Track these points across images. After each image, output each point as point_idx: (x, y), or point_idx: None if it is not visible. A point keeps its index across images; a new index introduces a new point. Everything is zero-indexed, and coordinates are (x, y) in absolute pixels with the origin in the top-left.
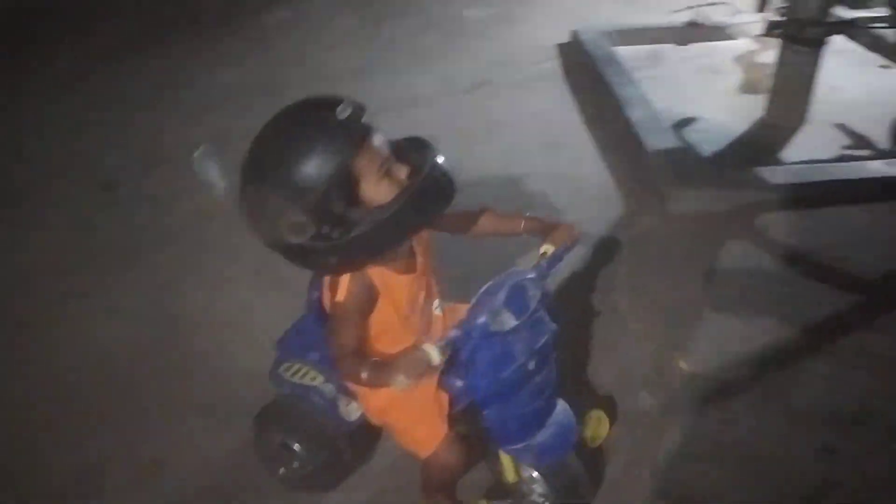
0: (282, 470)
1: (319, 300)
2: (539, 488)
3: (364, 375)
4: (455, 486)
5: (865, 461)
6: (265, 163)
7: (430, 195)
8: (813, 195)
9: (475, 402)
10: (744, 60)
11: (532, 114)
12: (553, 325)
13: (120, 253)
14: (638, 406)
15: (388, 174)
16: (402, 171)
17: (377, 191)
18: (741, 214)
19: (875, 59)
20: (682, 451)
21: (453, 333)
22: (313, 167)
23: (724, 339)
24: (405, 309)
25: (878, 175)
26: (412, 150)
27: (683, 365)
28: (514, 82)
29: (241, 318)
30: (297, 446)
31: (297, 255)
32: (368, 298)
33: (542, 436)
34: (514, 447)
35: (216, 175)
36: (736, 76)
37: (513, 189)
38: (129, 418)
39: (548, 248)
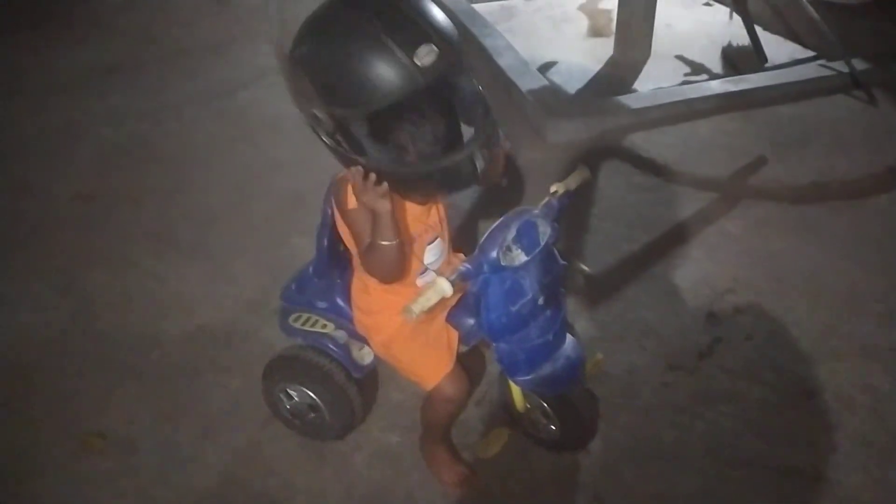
0: (296, 421)
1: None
2: (547, 417)
3: (391, 251)
4: (450, 433)
5: (741, 319)
6: (322, 51)
7: (447, 180)
8: (666, 114)
9: (486, 335)
10: (587, 8)
11: None
12: (562, 262)
13: (3, 242)
14: None
15: (423, 134)
16: (436, 134)
17: (403, 140)
18: (609, 138)
19: None
20: (597, 336)
21: (464, 267)
22: (359, 90)
23: (612, 243)
24: (404, 234)
25: (717, 92)
26: (467, 113)
27: (584, 268)
28: None
29: (150, 289)
30: (310, 397)
31: (318, 133)
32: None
33: (551, 367)
34: (524, 378)
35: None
36: (582, 23)
37: None
38: (59, 397)
39: (558, 188)
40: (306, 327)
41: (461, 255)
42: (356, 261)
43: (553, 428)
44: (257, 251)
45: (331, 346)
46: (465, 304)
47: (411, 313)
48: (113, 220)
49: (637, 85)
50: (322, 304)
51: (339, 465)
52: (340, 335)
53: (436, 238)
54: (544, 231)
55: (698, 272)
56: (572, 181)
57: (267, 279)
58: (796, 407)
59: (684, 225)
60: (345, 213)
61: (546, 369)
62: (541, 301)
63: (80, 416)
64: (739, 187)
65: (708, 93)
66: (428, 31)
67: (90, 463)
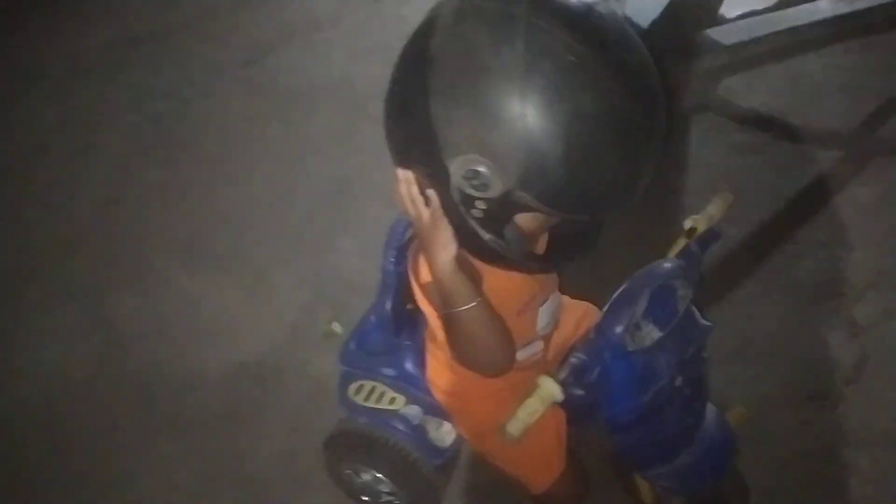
0: (366, 499)
1: (401, 274)
2: None
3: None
4: None
5: (892, 326)
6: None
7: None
8: (766, 50)
9: (607, 430)
10: None
11: None
12: (706, 325)
13: (24, 265)
14: None
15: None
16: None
17: (530, 226)
18: (698, 85)
19: None
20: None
21: (577, 359)
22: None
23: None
24: (515, 306)
25: (827, 16)
26: None
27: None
28: None
29: (185, 313)
30: (384, 481)
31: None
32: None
33: (690, 456)
34: (655, 472)
35: None
36: None
37: None
38: (97, 455)
39: (696, 223)
40: (370, 403)
41: (566, 300)
42: (431, 327)
43: None
44: (300, 259)
45: (401, 429)
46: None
47: (511, 436)
48: (142, 228)
49: (724, 12)
50: (389, 372)
51: None
52: (413, 412)
53: (548, 296)
54: (684, 294)
55: (829, 262)
56: (715, 209)
57: (311, 294)
58: None
59: (804, 197)
60: (422, 288)
61: (684, 459)
62: (679, 382)
63: (119, 480)
64: (868, 142)
65: (816, 18)
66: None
67: None
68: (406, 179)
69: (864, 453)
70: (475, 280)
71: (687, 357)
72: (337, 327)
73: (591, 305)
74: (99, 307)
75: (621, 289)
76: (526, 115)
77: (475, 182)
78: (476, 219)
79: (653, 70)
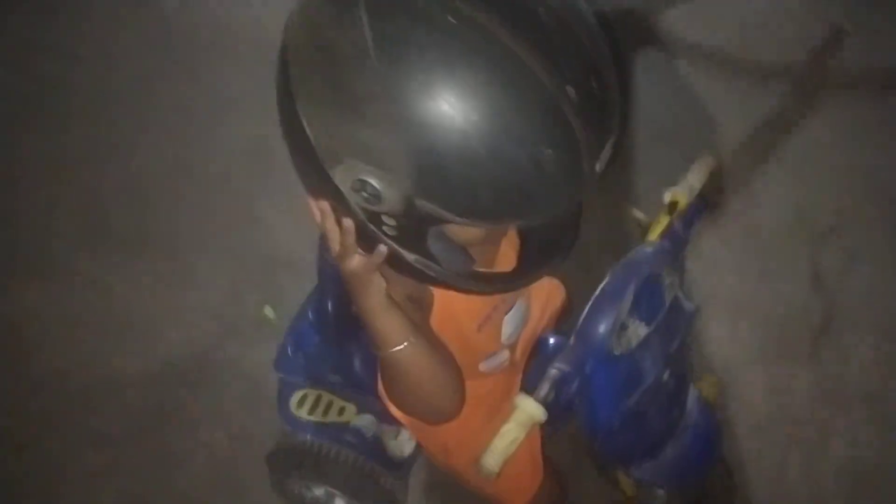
0: None
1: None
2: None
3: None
4: None
5: (858, 272)
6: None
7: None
8: None
9: (588, 436)
10: None
11: None
12: (691, 307)
13: None
14: None
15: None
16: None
17: (464, 238)
18: (638, 17)
19: None
20: None
21: (557, 370)
22: (509, 201)
23: (668, 173)
24: (474, 322)
25: None
26: None
27: (640, 215)
28: None
29: (93, 306)
30: (339, 495)
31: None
32: (418, 305)
33: (675, 448)
34: (638, 468)
35: None
36: None
37: None
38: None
39: (678, 196)
40: (316, 416)
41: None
42: None
43: None
44: (221, 236)
45: (354, 443)
46: (541, 371)
47: (490, 471)
48: (34, 208)
49: None
50: (335, 378)
51: None
52: (366, 422)
53: (514, 303)
54: (672, 281)
55: (787, 204)
56: (696, 178)
57: (238, 277)
58: None
59: (754, 136)
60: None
61: (669, 452)
62: (665, 377)
63: (36, 502)
64: (817, 74)
65: None
66: (616, 114)
67: None
68: (325, 213)
69: (841, 412)
70: (422, 305)
71: (673, 349)
72: (270, 312)
73: (554, 281)
74: None
75: (603, 285)
76: (396, 101)
77: (365, 194)
78: (392, 237)
79: (587, 25)
